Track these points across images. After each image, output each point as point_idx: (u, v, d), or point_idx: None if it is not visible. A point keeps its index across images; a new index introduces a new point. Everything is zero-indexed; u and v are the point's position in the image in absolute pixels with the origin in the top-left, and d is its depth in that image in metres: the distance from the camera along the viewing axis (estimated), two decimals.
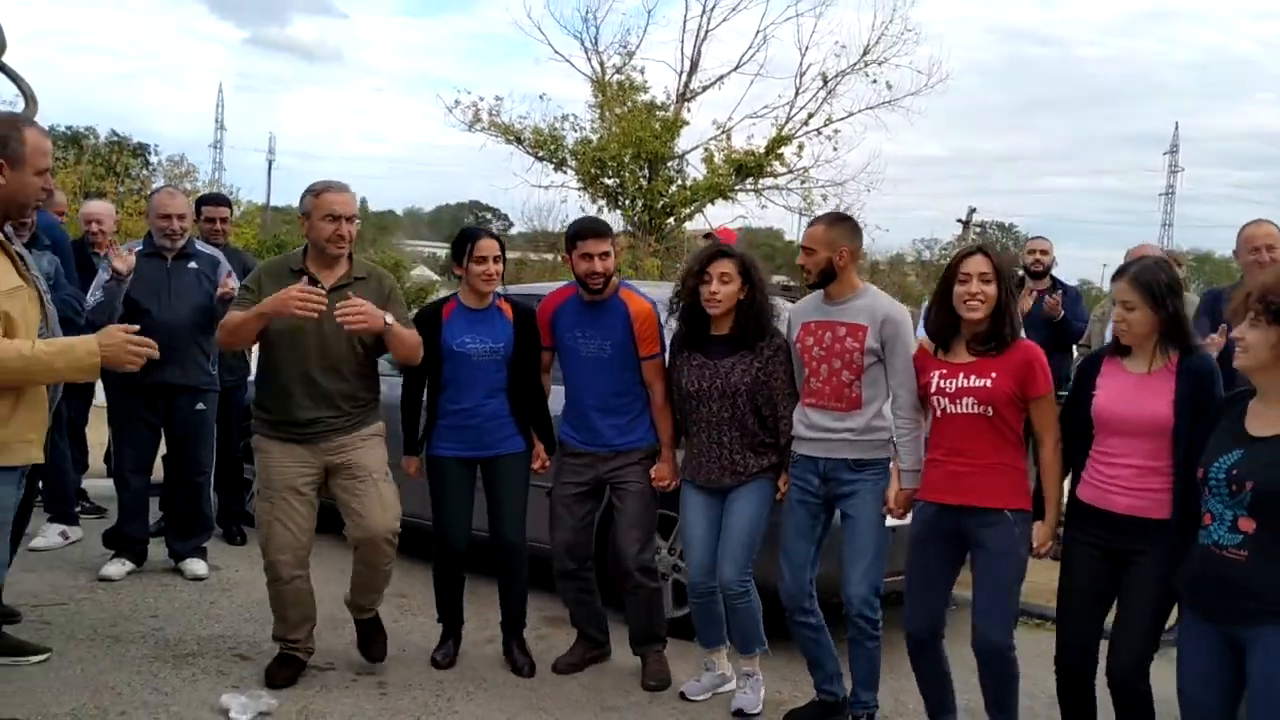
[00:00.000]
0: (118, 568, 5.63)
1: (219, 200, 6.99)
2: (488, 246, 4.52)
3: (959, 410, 3.75)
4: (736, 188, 20.49)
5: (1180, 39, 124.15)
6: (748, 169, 20.21)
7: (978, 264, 3.73)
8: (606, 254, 4.43)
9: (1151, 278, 3.44)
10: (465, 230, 4.67)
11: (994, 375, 3.70)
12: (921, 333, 4.22)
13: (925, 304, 4.94)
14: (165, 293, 5.50)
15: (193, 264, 5.64)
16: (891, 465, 4.07)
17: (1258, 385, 3.07)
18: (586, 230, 4.50)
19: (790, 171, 20.65)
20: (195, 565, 5.76)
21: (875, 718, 4.21)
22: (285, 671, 4.36)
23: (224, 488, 6.51)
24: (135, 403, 5.61)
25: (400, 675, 4.54)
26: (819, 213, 19.93)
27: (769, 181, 20.79)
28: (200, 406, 5.70)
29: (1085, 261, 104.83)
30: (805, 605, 4.18)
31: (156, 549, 5.85)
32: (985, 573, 3.79)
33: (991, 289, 3.71)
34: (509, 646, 4.74)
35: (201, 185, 33.41)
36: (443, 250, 51.22)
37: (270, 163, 61.94)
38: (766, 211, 24.38)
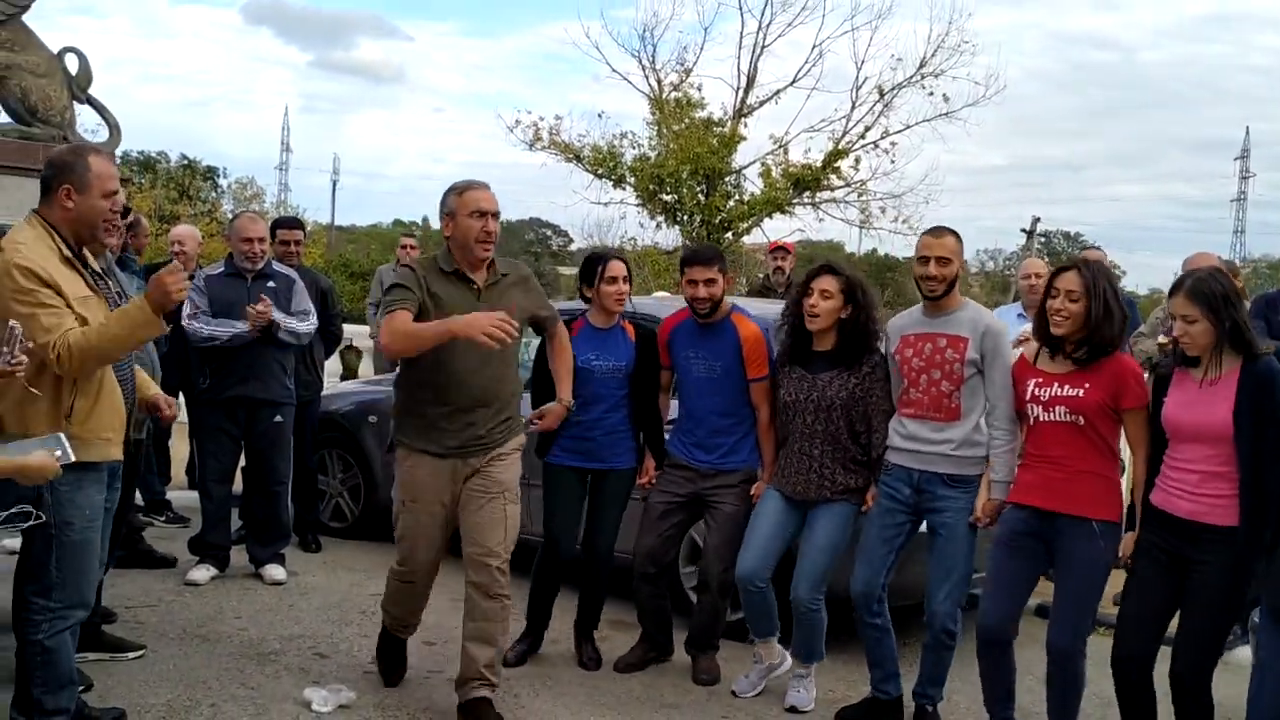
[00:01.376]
0: (203, 573, 5.90)
1: (293, 223, 7.31)
2: (617, 268, 4.75)
3: (1052, 418, 3.83)
4: (794, 201, 20.50)
5: (1250, 42, 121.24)
6: (805, 183, 20.21)
7: (1067, 281, 3.81)
8: (712, 280, 4.61)
9: (1207, 289, 3.49)
10: (595, 254, 4.91)
11: (1087, 386, 3.77)
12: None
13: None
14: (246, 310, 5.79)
15: (271, 283, 5.94)
16: (982, 478, 4.13)
17: None
18: (693, 258, 4.70)
19: (848, 185, 20.65)
20: (275, 571, 6.00)
21: (938, 708, 4.35)
22: (397, 671, 4.56)
23: (299, 498, 6.71)
24: (218, 415, 5.90)
25: None
26: (878, 225, 19.69)
27: (826, 195, 20.79)
28: (279, 419, 5.98)
29: (1156, 270, 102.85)
30: (874, 608, 4.30)
31: (238, 556, 6.12)
32: (1066, 580, 3.86)
33: (1076, 306, 3.76)
34: (580, 643, 4.97)
35: (269, 206, 34.12)
36: None
37: (334, 183, 63.23)
38: (824, 225, 24.29)
